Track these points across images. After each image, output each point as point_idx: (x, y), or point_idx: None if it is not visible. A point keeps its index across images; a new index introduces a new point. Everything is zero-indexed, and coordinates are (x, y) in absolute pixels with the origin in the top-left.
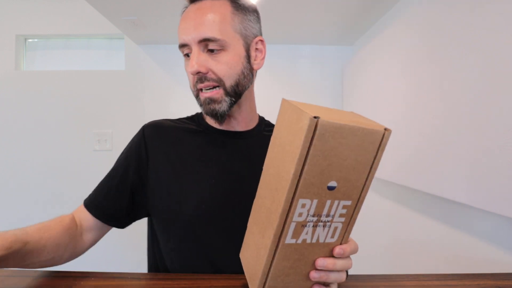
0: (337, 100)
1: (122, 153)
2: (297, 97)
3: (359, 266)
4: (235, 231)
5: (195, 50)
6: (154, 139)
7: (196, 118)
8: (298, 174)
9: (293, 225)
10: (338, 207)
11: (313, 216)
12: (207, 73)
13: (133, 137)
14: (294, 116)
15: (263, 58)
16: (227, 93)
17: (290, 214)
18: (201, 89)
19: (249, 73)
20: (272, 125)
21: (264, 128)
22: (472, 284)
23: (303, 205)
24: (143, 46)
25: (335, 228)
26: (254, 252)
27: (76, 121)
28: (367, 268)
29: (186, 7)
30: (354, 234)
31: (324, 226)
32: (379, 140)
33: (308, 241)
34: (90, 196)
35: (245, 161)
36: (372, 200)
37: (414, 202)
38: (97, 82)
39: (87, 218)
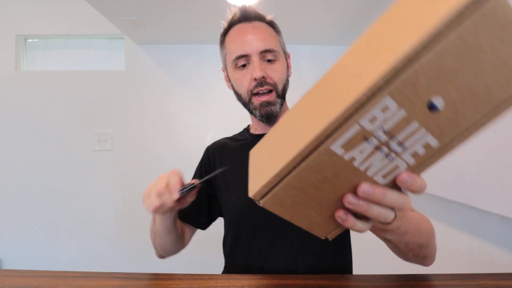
0: None
1: (196, 170)
2: (297, 98)
3: (359, 266)
4: (275, 236)
5: (257, 59)
6: (215, 154)
7: (244, 131)
8: (411, 56)
9: (355, 128)
10: (419, 141)
11: (385, 133)
12: (266, 78)
13: (202, 158)
14: None
15: (291, 67)
16: (278, 96)
17: (361, 110)
18: (257, 94)
19: (288, 80)
20: None
21: None
22: (472, 284)
23: (385, 108)
24: (143, 46)
25: (395, 167)
26: (274, 146)
27: (76, 121)
28: (367, 268)
29: (230, 27)
30: (353, 233)
31: (386, 155)
32: None
33: (356, 164)
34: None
35: None
36: None
37: (413, 202)
38: (97, 82)
39: (180, 224)
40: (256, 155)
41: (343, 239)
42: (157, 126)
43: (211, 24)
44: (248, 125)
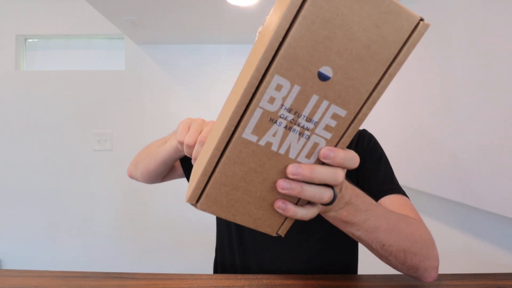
0: None
1: None
2: None
3: (359, 266)
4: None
5: None
6: None
7: None
8: (282, 34)
9: (258, 113)
10: (327, 113)
11: (289, 111)
12: None
13: None
14: None
15: None
16: None
17: (257, 94)
18: None
19: None
20: None
21: None
22: (472, 284)
23: (279, 87)
24: (143, 46)
25: (315, 145)
26: (200, 155)
27: (76, 121)
28: (367, 268)
29: None
30: None
31: (300, 134)
32: (408, 29)
33: (274, 148)
34: None
35: None
36: None
37: (413, 202)
38: (97, 82)
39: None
40: (193, 169)
41: (344, 239)
42: (157, 126)
43: (211, 24)
44: None
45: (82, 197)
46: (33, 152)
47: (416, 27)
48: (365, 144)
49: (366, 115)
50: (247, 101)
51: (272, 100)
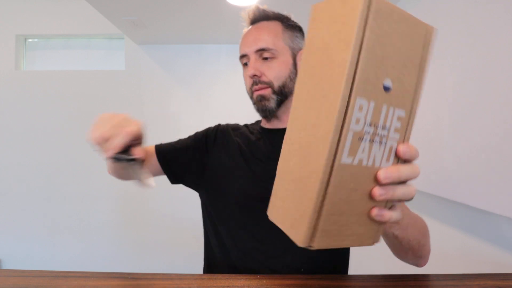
0: None
1: (198, 132)
2: None
3: (359, 266)
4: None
5: (252, 58)
6: (224, 135)
7: (255, 123)
8: (355, 62)
9: (350, 136)
10: (394, 118)
11: (370, 126)
12: (260, 76)
13: (209, 127)
14: (337, 5)
15: None
16: (274, 92)
17: (347, 119)
18: (255, 90)
19: (294, 78)
20: None
21: None
22: (472, 284)
23: (361, 108)
24: (143, 46)
25: (391, 148)
26: (292, 193)
27: (76, 121)
28: (367, 268)
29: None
30: None
31: (380, 142)
32: (426, 36)
33: (365, 163)
34: (162, 143)
35: None
36: None
37: (413, 202)
38: (97, 82)
39: (151, 153)
40: (276, 211)
41: None
42: (157, 126)
43: (211, 24)
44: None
45: (82, 197)
46: (33, 152)
47: (429, 30)
48: None
49: (416, 110)
50: (340, 128)
51: (358, 120)
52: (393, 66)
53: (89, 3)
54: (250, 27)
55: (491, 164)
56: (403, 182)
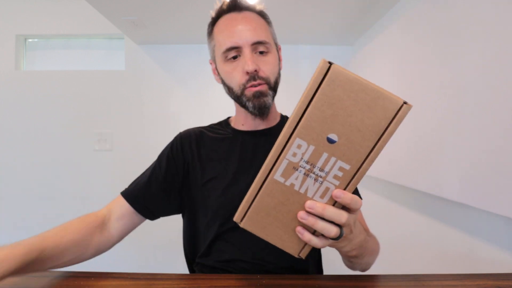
0: None
1: (161, 155)
2: (298, 97)
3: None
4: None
5: (248, 51)
6: (190, 144)
7: (224, 124)
8: (301, 112)
9: (285, 163)
10: (335, 166)
11: (307, 163)
12: (258, 72)
13: (169, 143)
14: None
15: (282, 60)
16: (270, 88)
17: (284, 150)
18: (250, 86)
19: (280, 73)
20: None
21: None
22: (472, 284)
23: (299, 146)
24: (143, 46)
25: (327, 189)
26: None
27: (76, 121)
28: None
29: (219, 17)
30: None
31: (315, 180)
32: (393, 110)
33: (296, 188)
34: (128, 188)
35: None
36: (371, 200)
37: (413, 202)
38: (97, 82)
39: (120, 205)
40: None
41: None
42: (157, 126)
43: None
44: (229, 118)
45: (82, 197)
46: (33, 152)
47: (401, 108)
48: None
49: (366, 169)
50: (278, 154)
51: (294, 154)
52: (343, 125)
53: (89, 3)
54: (232, 14)
55: (491, 164)
56: (329, 220)
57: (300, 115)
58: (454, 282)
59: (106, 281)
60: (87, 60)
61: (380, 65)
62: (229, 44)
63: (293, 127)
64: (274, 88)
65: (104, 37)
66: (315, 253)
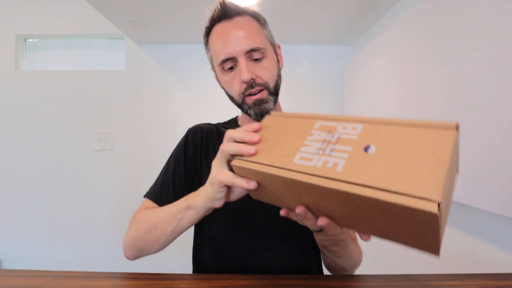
0: (337, 100)
1: (178, 153)
2: (297, 97)
3: (359, 266)
4: (251, 228)
5: (243, 61)
6: (202, 139)
7: (232, 122)
8: None
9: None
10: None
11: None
12: (255, 79)
13: (181, 141)
14: None
15: (282, 58)
16: (271, 93)
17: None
18: (249, 94)
19: (280, 74)
20: None
21: None
22: (472, 284)
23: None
24: (143, 46)
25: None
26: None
27: (76, 121)
28: (367, 268)
29: (212, 26)
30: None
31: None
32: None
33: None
34: (152, 190)
35: None
36: None
37: None
38: (97, 82)
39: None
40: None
41: (309, 240)
42: (157, 126)
43: None
44: (237, 116)
45: (82, 197)
46: (33, 152)
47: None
48: None
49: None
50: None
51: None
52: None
53: (89, 3)
54: (223, 23)
55: (491, 164)
56: None
57: None
58: (454, 282)
59: (106, 281)
60: (87, 60)
61: (380, 65)
62: (223, 56)
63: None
64: (274, 92)
65: (104, 37)
66: (316, 254)
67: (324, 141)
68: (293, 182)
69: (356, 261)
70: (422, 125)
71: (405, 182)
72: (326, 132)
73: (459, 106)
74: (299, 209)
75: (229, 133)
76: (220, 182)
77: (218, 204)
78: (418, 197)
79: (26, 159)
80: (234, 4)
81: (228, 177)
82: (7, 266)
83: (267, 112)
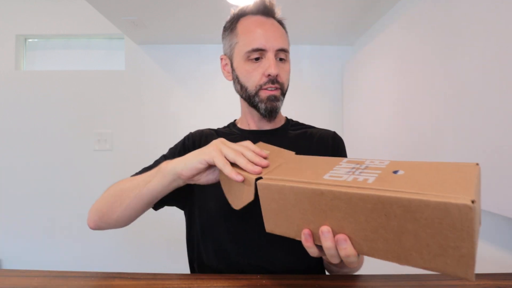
0: (337, 100)
1: (173, 149)
2: (297, 97)
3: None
4: (252, 228)
5: (272, 56)
6: (197, 143)
7: (231, 125)
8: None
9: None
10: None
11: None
12: (277, 77)
13: (179, 141)
14: None
15: None
16: (282, 94)
17: None
18: (266, 88)
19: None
20: (300, 124)
21: (290, 127)
22: (472, 284)
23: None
24: (143, 46)
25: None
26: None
27: (76, 121)
28: (367, 268)
29: (243, 15)
30: None
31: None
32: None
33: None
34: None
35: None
36: None
37: None
38: (97, 82)
39: None
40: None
41: None
42: (157, 126)
43: (211, 24)
44: (235, 120)
45: (82, 197)
46: (33, 152)
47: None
48: (340, 149)
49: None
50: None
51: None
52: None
53: (89, 3)
54: (260, 17)
55: (491, 164)
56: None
57: None
58: (454, 282)
59: (106, 281)
60: (87, 60)
61: (380, 65)
62: (256, 45)
63: None
64: (284, 94)
65: (104, 37)
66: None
67: (353, 168)
68: (322, 194)
69: (358, 267)
70: (444, 162)
71: (435, 189)
72: (354, 163)
73: (459, 106)
74: (324, 228)
75: (246, 146)
76: (211, 158)
77: (186, 173)
78: (450, 196)
79: (26, 159)
80: (273, 7)
81: (221, 160)
82: (7, 266)
83: (276, 109)
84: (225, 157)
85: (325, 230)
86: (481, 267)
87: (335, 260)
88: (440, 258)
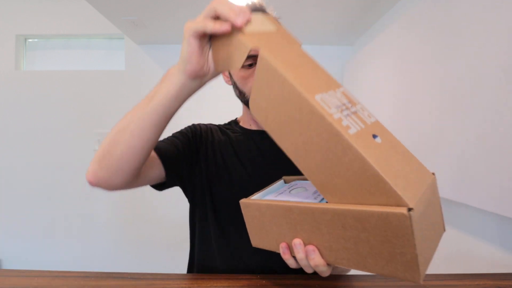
0: None
1: (182, 133)
2: None
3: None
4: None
5: None
6: (207, 133)
7: (233, 123)
8: None
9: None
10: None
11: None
12: None
13: (189, 126)
14: None
15: None
16: None
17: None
18: None
19: None
20: None
21: None
22: (472, 284)
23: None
24: (143, 46)
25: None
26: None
27: (77, 121)
28: None
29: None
30: None
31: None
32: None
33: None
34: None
35: (275, 158)
36: None
37: None
38: (97, 82)
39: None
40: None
41: None
42: None
43: None
44: (236, 118)
45: (82, 197)
46: (33, 152)
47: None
48: None
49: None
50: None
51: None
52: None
53: (89, 3)
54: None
55: (491, 164)
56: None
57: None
58: (454, 282)
59: (106, 281)
60: (87, 60)
61: (380, 65)
62: (252, 52)
63: None
64: None
65: (104, 37)
66: None
67: (344, 104)
68: (291, 209)
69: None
70: (414, 157)
71: (390, 178)
72: (347, 100)
73: (459, 106)
74: (296, 240)
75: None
76: (190, 29)
77: (190, 67)
78: (390, 206)
79: (26, 159)
80: (263, 8)
81: (198, 23)
82: (7, 266)
83: None
84: (207, 18)
85: (297, 243)
86: (481, 267)
87: (308, 270)
88: (391, 264)
